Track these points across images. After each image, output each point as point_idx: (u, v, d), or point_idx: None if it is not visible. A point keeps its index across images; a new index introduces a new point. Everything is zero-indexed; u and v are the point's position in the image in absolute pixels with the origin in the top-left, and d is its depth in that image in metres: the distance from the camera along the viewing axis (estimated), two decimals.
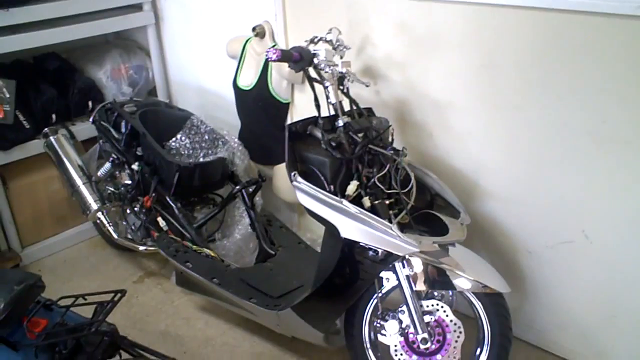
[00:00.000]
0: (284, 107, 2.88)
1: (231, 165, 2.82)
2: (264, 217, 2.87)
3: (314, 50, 2.07)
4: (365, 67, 2.52)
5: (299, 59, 2.02)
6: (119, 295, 1.67)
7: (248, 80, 2.90)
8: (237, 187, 2.72)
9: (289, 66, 2.06)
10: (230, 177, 2.85)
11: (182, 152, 2.88)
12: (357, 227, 1.92)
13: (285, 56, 1.99)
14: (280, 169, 2.97)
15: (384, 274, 2.08)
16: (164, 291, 2.94)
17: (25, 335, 1.60)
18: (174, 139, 2.89)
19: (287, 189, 2.98)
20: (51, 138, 3.00)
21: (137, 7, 3.33)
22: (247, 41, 2.92)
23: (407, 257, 1.99)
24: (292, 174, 2.04)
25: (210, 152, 2.88)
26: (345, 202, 1.94)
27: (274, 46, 2.78)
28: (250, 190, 2.75)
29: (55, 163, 3.01)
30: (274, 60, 1.98)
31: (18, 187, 3.12)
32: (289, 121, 2.94)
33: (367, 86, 2.36)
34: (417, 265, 2.02)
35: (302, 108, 2.87)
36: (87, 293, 1.70)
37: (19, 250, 3.17)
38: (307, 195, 2.00)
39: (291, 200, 3.03)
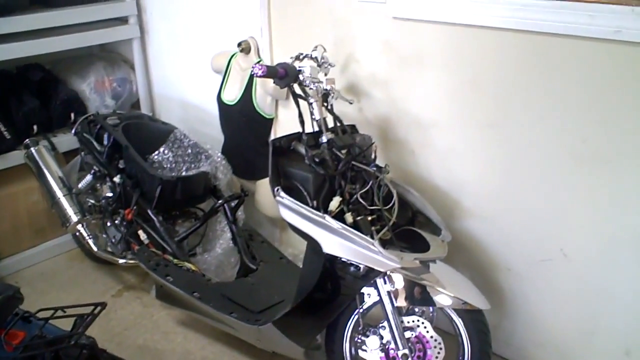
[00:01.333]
0: (268, 123, 2.90)
1: (214, 179, 2.82)
2: (246, 231, 2.86)
3: (299, 66, 2.09)
4: (349, 85, 2.54)
5: (284, 75, 2.03)
6: (98, 308, 1.65)
7: (232, 95, 2.91)
8: (220, 202, 2.71)
9: (274, 82, 2.08)
10: (212, 191, 2.84)
11: (165, 166, 2.87)
12: (340, 243, 1.93)
13: (271, 72, 2.00)
14: (263, 184, 2.97)
15: (365, 290, 2.09)
16: (143, 305, 2.92)
17: (3, 347, 1.58)
18: (156, 152, 2.88)
19: (269, 203, 2.99)
20: (32, 149, 2.97)
21: (123, 20, 3.34)
22: (232, 56, 2.93)
23: (388, 273, 2.00)
24: (276, 189, 2.05)
25: (193, 165, 2.88)
26: (328, 217, 1.95)
27: (259, 62, 2.80)
28: (233, 204, 2.75)
29: (35, 174, 2.98)
30: (260, 76, 1.99)
31: None
32: (272, 136, 2.95)
33: (350, 103, 2.39)
34: (398, 281, 2.03)
35: (286, 124, 2.89)
36: (66, 305, 1.68)
37: None
38: (290, 211, 2.01)
39: (273, 215, 3.03)
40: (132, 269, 3.07)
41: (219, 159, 2.84)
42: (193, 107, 3.39)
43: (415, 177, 2.48)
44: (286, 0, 2.65)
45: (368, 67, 2.48)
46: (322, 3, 2.52)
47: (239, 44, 2.84)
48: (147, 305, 2.90)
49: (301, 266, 2.69)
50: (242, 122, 2.90)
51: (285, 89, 2.40)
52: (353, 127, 2.32)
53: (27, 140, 3.01)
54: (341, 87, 2.52)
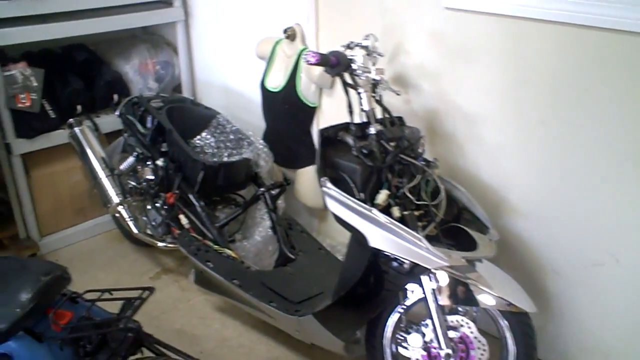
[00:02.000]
0: (311, 111, 2.86)
1: (255, 166, 2.80)
2: (285, 220, 2.84)
3: (351, 55, 2.05)
4: (396, 75, 2.49)
5: (336, 64, 2.00)
6: (147, 292, 1.66)
7: (276, 82, 2.88)
8: (262, 190, 2.70)
9: (324, 70, 2.04)
10: (253, 178, 2.83)
11: (207, 151, 2.86)
12: (386, 237, 1.90)
13: (323, 60, 1.97)
14: (304, 173, 2.95)
15: (408, 286, 2.05)
16: (180, 289, 2.93)
17: (50, 327, 1.59)
18: (198, 136, 2.88)
19: (309, 193, 2.96)
20: (76, 129, 2.99)
21: (168, 3, 3.33)
22: (277, 43, 2.90)
23: (433, 270, 1.96)
24: (322, 179, 2.02)
25: (234, 152, 2.86)
26: (375, 211, 1.92)
27: (304, 49, 2.76)
28: (274, 193, 2.73)
29: (78, 154, 3.01)
30: (312, 64, 1.96)
31: (40, 176, 3.12)
32: (314, 125, 2.92)
33: (398, 94, 2.33)
34: (443, 279, 1.99)
35: (329, 113, 2.85)
36: (113, 288, 1.69)
37: (37, 239, 3.17)
38: (337, 202, 1.98)
39: (313, 205, 3.01)
40: (170, 252, 3.08)
41: (261, 147, 2.82)
42: (234, 93, 3.37)
43: (462, 172, 2.42)
44: None
45: (417, 58, 2.42)
46: None
47: (285, 31, 2.80)
48: (184, 289, 2.91)
49: (340, 258, 2.69)
50: (284, 109, 2.87)
51: (331, 77, 2.38)
52: (400, 119, 2.27)
53: (71, 120, 3.03)
54: (388, 77, 2.45)
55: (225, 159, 2.81)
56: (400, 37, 2.44)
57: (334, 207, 1.99)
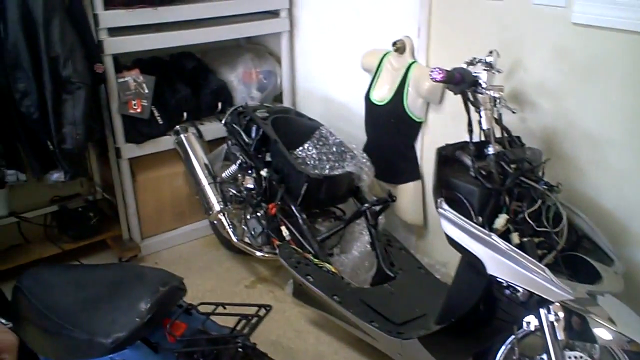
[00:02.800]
0: (417, 126, 2.79)
1: (357, 180, 2.76)
2: (385, 236, 2.78)
3: (475, 72, 1.97)
4: (512, 93, 2.38)
5: (460, 81, 1.92)
6: (264, 310, 1.64)
7: (382, 95, 2.83)
8: (366, 205, 2.65)
9: (447, 87, 1.97)
10: (354, 192, 2.79)
11: (308, 162, 2.84)
12: (506, 265, 1.79)
13: (449, 77, 1.90)
14: (405, 189, 2.89)
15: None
16: (276, 300, 2.92)
17: (165, 337, 1.60)
18: (300, 147, 2.87)
19: (410, 209, 2.89)
20: (182, 135, 3.06)
21: (274, 14, 3.35)
22: (384, 55, 2.85)
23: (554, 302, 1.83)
24: (439, 200, 1.94)
25: (336, 164, 2.83)
26: (494, 236, 1.82)
27: (413, 63, 2.70)
28: (377, 208, 2.67)
29: (183, 160, 3.07)
30: (439, 81, 1.89)
31: (145, 180, 3.21)
32: (418, 140, 2.85)
33: (513, 112, 2.22)
34: (560, 311, 1.87)
35: (434, 128, 2.77)
36: (228, 302, 1.67)
37: (138, 241, 3.26)
38: (453, 225, 1.90)
39: (413, 221, 2.94)
40: (265, 261, 3.09)
41: (364, 160, 2.77)
42: (335, 104, 3.35)
43: (581, 197, 2.28)
44: (452, 1, 2.53)
45: (537, 75, 2.30)
46: (490, 5, 2.38)
47: (394, 43, 2.75)
48: (280, 301, 2.91)
49: (439, 277, 2.60)
50: (390, 123, 2.81)
51: (440, 92, 2.31)
52: (518, 138, 2.17)
53: (177, 126, 3.10)
54: (504, 94, 2.36)
55: (327, 172, 2.78)
56: (518, 53, 2.33)
57: (450, 230, 1.91)
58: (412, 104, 2.73)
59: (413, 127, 2.80)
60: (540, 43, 2.26)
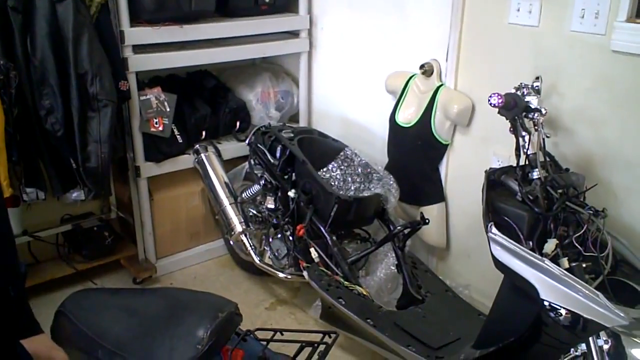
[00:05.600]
0: (443, 148, 2.80)
1: (385, 202, 2.75)
2: (410, 259, 2.77)
3: (527, 98, 1.98)
4: (547, 118, 2.38)
5: (514, 106, 1.93)
6: (331, 338, 1.60)
7: (408, 117, 2.83)
8: (399, 227, 2.63)
9: (499, 112, 1.98)
10: (380, 214, 2.77)
11: (333, 183, 2.83)
12: (559, 290, 1.79)
13: (507, 103, 1.91)
14: (429, 211, 2.88)
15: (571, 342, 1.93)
16: (297, 322, 2.88)
17: None
18: (325, 168, 2.85)
19: (433, 232, 2.89)
20: (202, 155, 3.02)
21: (294, 34, 3.34)
22: (410, 78, 2.86)
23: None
24: (489, 225, 1.94)
25: (361, 186, 2.82)
26: (547, 261, 1.82)
27: (441, 86, 2.71)
28: (407, 231, 2.66)
29: (203, 180, 3.03)
30: (497, 106, 1.90)
31: (161, 199, 3.16)
32: (443, 163, 2.85)
33: (547, 137, 2.24)
34: (605, 336, 1.87)
35: (460, 151, 2.78)
36: (284, 329, 1.64)
37: (154, 261, 3.19)
38: (504, 250, 1.89)
39: (436, 243, 2.94)
40: (284, 283, 3.05)
41: (392, 182, 2.76)
42: (353, 125, 3.34)
43: (616, 223, 2.29)
44: (483, 25, 2.55)
45: (572, 101, 2.32)
46: (526, 31, 2.40)
47: (422, 66, 2.75)
48: (301, 323, 2.87)
49: (463, 299, 2.60)
50: (416, 145, 2.81)
51: (468, 115, 2.42)
52: (557, 163, 2.18)
53: (197, 145, 3.06)
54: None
55: (352, 193, 2.77)
56: (554, 79, 2.35)
57: (500, 254, 1.90)
58: (440, 127, 2.74)
59: (439, 150, 2.80)
60: (577, 70, 2.28)
